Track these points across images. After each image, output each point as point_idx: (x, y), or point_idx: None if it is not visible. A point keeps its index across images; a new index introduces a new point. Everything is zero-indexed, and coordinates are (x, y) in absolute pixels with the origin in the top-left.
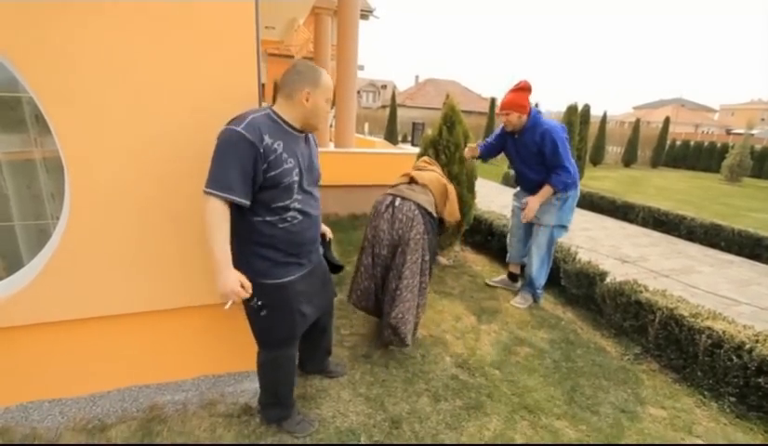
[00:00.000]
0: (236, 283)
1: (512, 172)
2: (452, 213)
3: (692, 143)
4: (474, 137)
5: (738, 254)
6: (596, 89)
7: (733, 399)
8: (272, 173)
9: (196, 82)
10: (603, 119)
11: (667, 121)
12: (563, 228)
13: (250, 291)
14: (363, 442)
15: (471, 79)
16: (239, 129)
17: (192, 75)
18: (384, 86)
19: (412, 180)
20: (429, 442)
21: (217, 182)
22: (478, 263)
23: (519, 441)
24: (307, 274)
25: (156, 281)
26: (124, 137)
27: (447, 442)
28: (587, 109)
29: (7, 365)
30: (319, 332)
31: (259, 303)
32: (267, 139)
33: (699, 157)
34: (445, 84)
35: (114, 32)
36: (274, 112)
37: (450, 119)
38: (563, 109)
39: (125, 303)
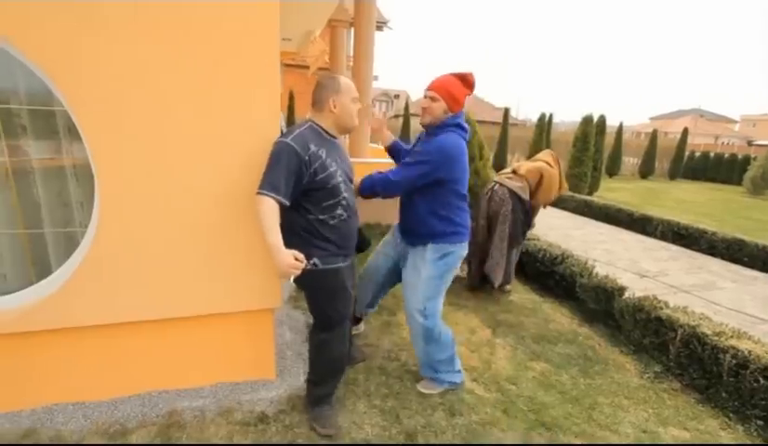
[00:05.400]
0: (291, 259)
1: None
2: (543, 198)
3: (711, 154)
4: (489, 147)
5: (762, 269)
6: (611, 99)
7: (760, 422)
8: (321, 176)
9: (222, 92)
10: (619, 130)
11: (685, 132)
12: None
13: (304, 262)
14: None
15: (484, 89)
16: (287, 140)
17: (218, 86)
18: (397, 96)
19: (514, 171)
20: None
21: (267, 184)
22: None
23: None
24: (350, 266)
25: (180, 288)
26: (152, 146)
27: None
28: (602, 119)
29: (35, 367)
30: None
31: (313, 261)
32: (313, 148)
33: (719, 169)
34: None
35: (145, 45)
36: (315, 123)
37: None
38: (578, 119)
39: (149, 309)
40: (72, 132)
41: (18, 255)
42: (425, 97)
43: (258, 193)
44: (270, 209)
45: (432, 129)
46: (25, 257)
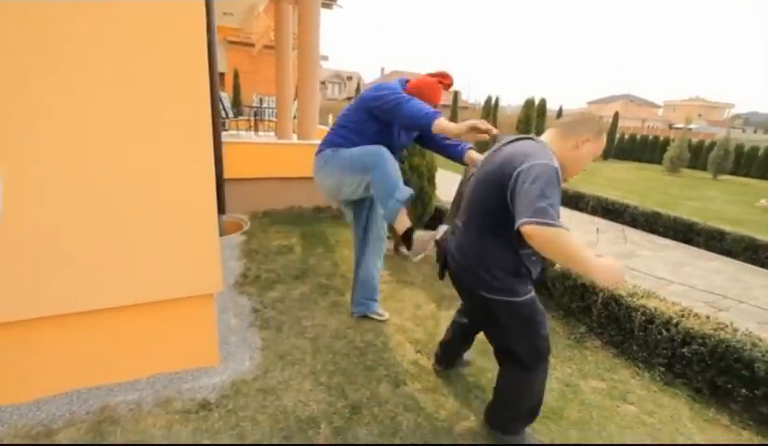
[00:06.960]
0: (613, 260)
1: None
2: None
3: (638, 137)
4: None
5: (674, 238)
6: (554, 84)
7: (662, 368)
8: None
9: (139, 73)
10: (559, 113)
11: (616, 115)
12: None
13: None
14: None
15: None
16: (555, 165)
17: (134, 65)
18: (350, 78)
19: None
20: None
21: (554, 214)
22: None
23: (471, 418)
24: None
25: (103, 277)
26: (59, 133)
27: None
28: (543, 103)
29: None
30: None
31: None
32: None
33: (645, 150)
34: (411, 76)
35: (46, 18)
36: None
37: None
38: (521, 102)
39: (69, 302)
40: None
41: None
42: None
43: (554, 225)
44: (570, 236)
45: None
46: None
